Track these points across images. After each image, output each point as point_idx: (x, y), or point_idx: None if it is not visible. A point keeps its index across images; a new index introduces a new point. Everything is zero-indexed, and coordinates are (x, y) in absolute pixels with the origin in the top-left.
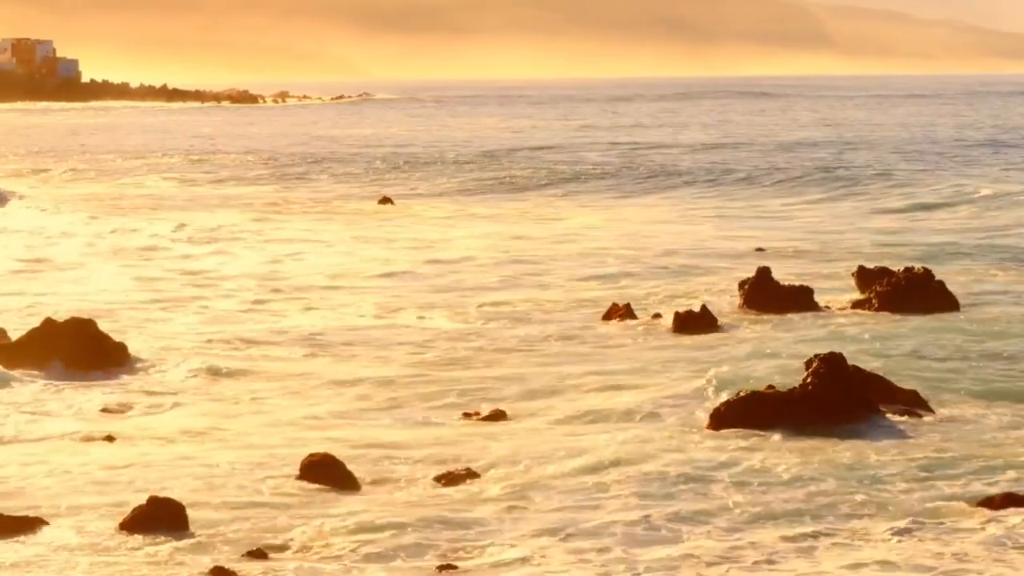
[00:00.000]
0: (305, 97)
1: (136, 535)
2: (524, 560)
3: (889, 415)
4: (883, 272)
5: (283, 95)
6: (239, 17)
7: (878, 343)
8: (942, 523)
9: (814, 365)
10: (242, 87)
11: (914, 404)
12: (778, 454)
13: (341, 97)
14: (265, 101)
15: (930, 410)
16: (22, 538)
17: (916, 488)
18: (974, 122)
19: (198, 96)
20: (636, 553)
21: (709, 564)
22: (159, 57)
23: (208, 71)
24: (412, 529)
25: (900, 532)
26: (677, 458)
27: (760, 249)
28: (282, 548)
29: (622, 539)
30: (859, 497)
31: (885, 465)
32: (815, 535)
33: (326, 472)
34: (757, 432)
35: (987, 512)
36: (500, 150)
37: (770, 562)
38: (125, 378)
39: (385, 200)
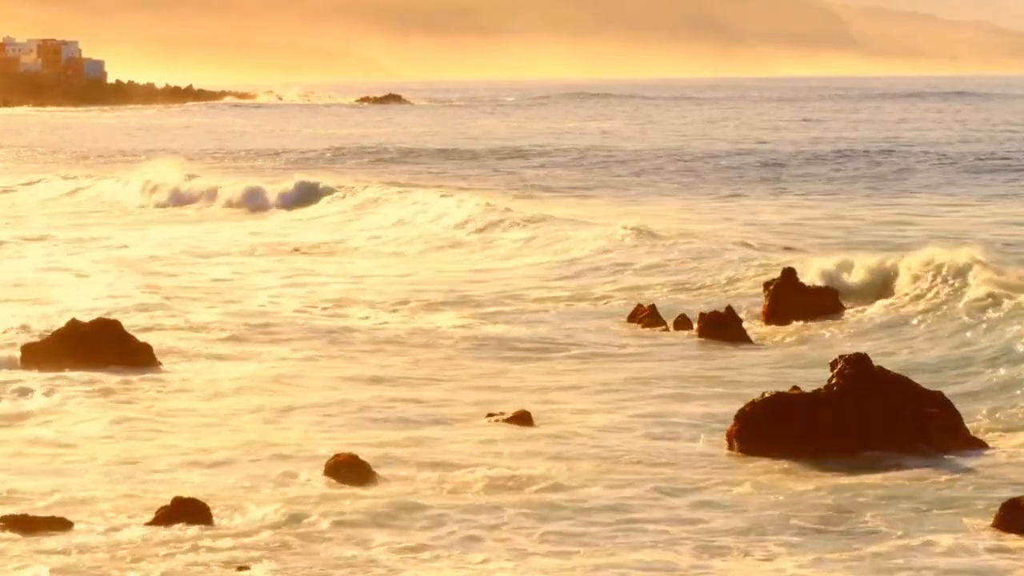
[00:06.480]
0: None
1: (162, 535)
2: None
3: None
4: None
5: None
6: (264, 17)
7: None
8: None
9: (839, 366)
10: (267, 87)
11: (941, 406)
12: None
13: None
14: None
15: (956, 412)
16: (49, 539)
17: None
18: None
19: (223, 96)
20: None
21: None
22: (182, 57)
23: (233, 71)
24: None
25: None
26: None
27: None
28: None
29: None
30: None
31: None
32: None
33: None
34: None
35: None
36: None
37: None
38: (150, 378)
39: None
